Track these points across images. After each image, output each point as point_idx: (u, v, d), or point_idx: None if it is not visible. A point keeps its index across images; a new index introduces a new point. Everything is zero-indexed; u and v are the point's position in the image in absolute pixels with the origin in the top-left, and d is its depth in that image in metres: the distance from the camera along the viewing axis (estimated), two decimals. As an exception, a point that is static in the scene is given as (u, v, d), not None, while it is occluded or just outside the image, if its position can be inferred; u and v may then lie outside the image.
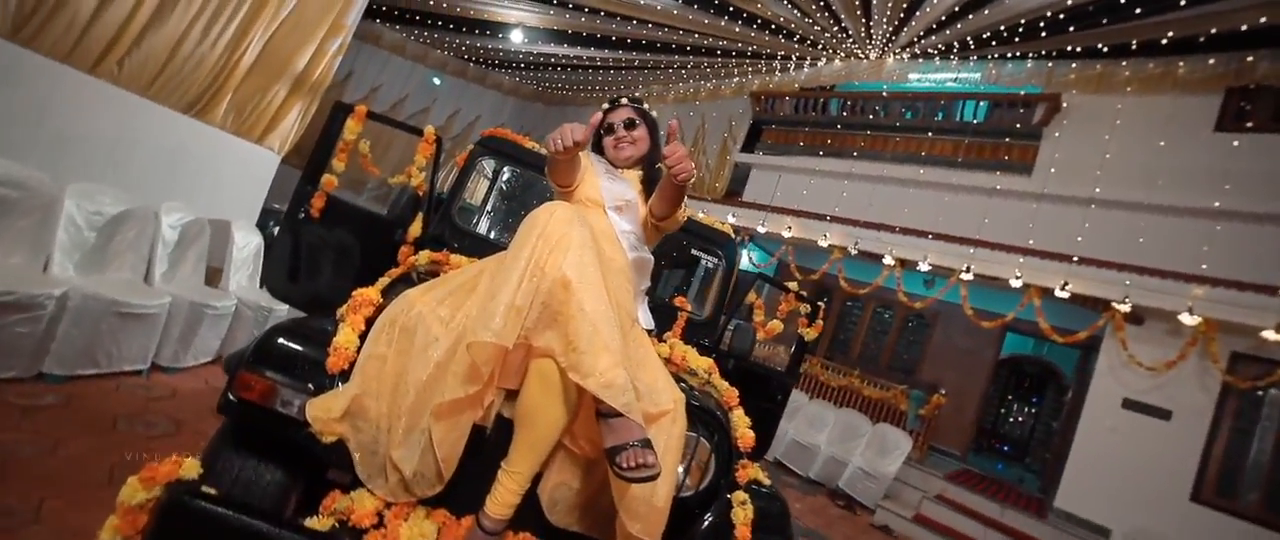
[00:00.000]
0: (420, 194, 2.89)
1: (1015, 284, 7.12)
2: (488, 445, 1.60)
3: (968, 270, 7.43)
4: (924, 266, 7.89)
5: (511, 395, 1.59)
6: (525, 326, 1.47)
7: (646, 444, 1.41)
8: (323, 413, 1.54)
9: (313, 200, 2.84)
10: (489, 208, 3.75)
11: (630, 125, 1.96)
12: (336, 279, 2.84)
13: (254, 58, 4.67)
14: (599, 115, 1.75)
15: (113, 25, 3.63)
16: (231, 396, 1.57)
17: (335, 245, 2.97)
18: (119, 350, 3.24)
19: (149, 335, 3.41)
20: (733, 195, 10.51)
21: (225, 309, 3.94)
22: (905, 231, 8.25)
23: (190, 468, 1.48)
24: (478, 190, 4.04)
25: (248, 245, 4.51)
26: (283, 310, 4.31)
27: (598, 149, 2.04)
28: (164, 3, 3.85)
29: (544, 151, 1.95)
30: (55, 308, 2.80)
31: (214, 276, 4.33)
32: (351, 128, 2.89)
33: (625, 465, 1.37)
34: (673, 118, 1.77)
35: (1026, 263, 7.18)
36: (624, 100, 2.00)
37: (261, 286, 4.43)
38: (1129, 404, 6.58)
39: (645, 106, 2.03)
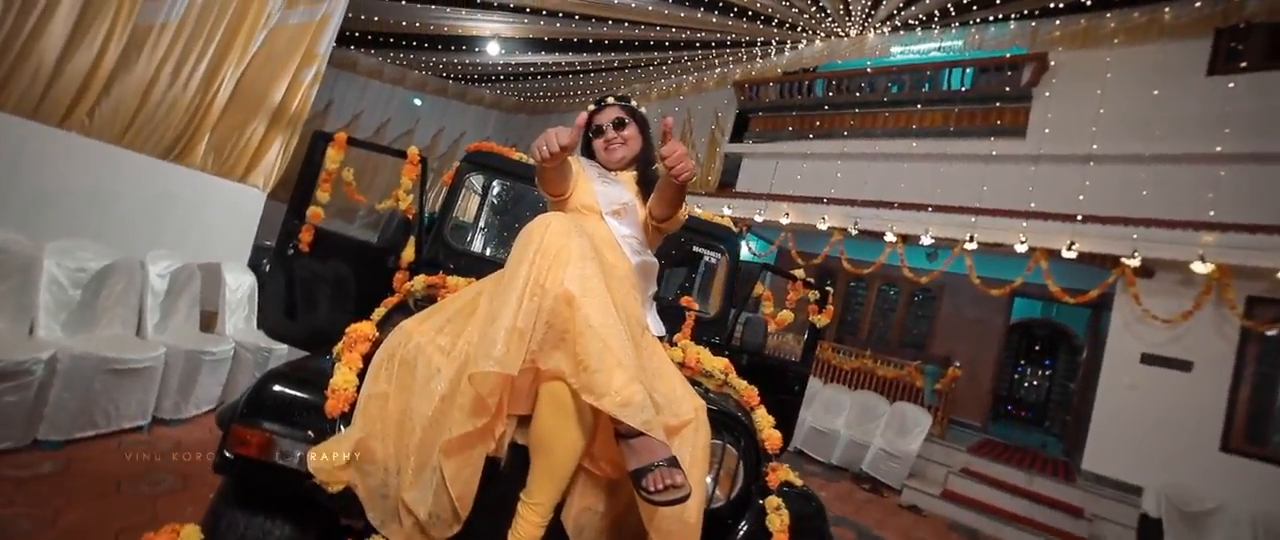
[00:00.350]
0: (410, 217, 2.81)
1: (1020, 249, 7.02)
2: (503, 477, 1.51)
3: (971, 239, 7.33)
4: (926, 240, 7.79)
5: (524, 421, 1.51)
6: (530, 349, 1.37)
7: (673, 462, 1.31)
8: (326, 461, 1.45)
9: (301, 234, 2.77)
10: (482, 224, 3.67)
11: (619, 125, 1.88)
12: (334, 312, 2.76)
13: (228, 95, 4.57)
14: (584, 117, 1.66)
15: (78, 75, 3.54)
16: (227, 454, 1.48)
17: (329, 278, 2.90)
18: (117, 408, 3.14)
19: (147, 389, 3.32)
20: (726, 187, 10.39)
21: (223, 354, 3.85)
22: (904, 206, 8.12)
23: (190, 535, 1.39)
24: (469, 207, 3.95)
25: (241, 286, 4.42)
26: (283, 350, 4.21)
27: (588, 153, 1.95)
28: (129, 48, 3.75)
29: (532, 161, 1.88)
30: (44, 372, 2.71)
31: (210, 321, 4.24)
32: (333, 156, 2.82)
33: (652, 488, 1.28)
34: (666, 115, 1.69)
35: (1030, 226, 7.08)
36: (610, 99, 1.92)
37: (259, 328, 4.35)
38: (1148, 358, 6.49)
39: (633, 104, 1.94)
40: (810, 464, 6.99)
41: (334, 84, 10.95)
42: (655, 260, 1.88)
